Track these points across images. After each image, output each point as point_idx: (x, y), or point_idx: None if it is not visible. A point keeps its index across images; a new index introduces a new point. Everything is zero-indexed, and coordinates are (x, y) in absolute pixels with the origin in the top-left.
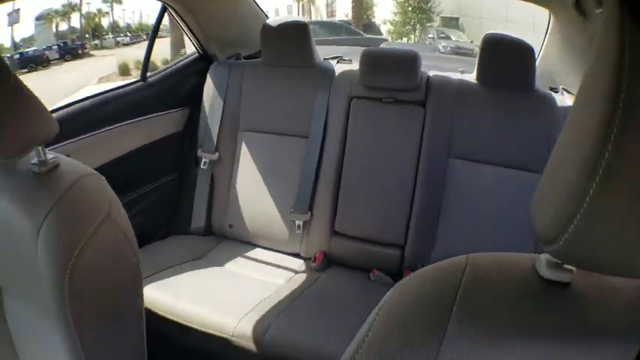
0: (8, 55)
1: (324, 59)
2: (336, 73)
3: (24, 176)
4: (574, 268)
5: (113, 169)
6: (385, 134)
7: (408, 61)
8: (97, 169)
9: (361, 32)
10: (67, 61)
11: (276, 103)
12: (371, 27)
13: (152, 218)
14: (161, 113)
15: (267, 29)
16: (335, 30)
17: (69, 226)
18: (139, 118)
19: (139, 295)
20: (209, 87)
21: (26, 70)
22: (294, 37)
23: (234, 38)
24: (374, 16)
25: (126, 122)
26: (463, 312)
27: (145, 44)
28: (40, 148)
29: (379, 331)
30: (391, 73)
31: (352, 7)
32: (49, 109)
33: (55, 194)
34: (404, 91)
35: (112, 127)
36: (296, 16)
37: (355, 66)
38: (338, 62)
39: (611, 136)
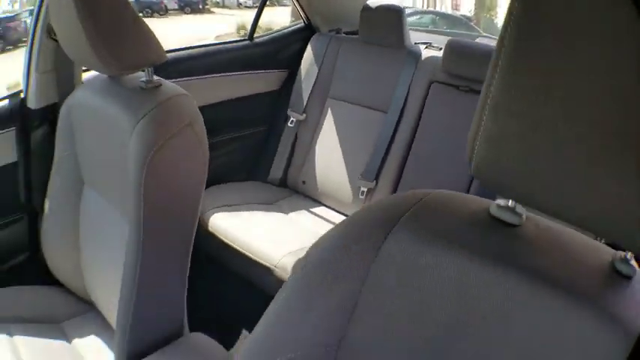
0: None
1: (415, 44)
2: (423, 57)
3: (132, 89)
4: (524, 214)
5: (209, 111)
6: (456, 120)
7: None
8: None
9: (479, 30)
10: (185, 13)
11: (364, 78)
12: (491, 26)
13: (235, 162)
14: (261, 71)
15: (366, 9)
16: (454, 23)
17: (156, 126)
18: (241, 72)
19: (198, 206)
20: (308, 54)
21: (140, 14)
22: (389, 19)
23: (337, 14)
24: (496, 16)
25: (229, 74)
26: (410, 221)
27: (269, 10)
28: (149, 69)
29: (331, 234)
30: (472, 65)
31: (475, 4)
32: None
33: (152, 103)
34: (481, 83)
35: (216, 75)
36: (420, 5)
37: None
38: (426, 48)
39: (493, 80)
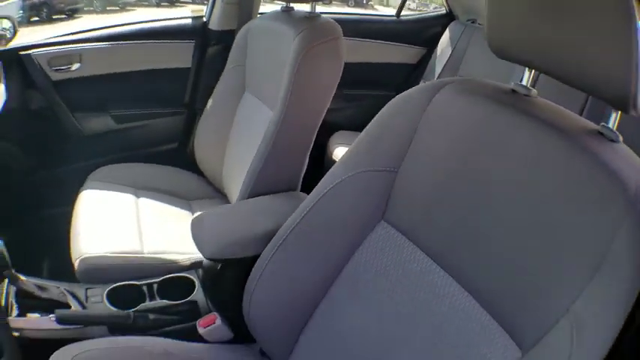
0: None
1: None
2: None
3: (298, 17)
4: (534, 91)
5: (352, 67)
6: None
7: None
8: None
9: None
10: (349, 6)
11: (485, 67)
12: None
13: (363, 115)
14: (402, 45)
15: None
16: None
17: (310, 35)
18: (385, 42)
19: (323, 110)
20: (445, 38)
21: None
22: None
23: (474, 6)
24: None
25: (374, 41)
26: (454, 86)
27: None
28: (313, 3)
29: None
30: None
31: None
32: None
33: (311, 22)
34: None
35: (364, 40)
36: None
37: None
38: None
39: None
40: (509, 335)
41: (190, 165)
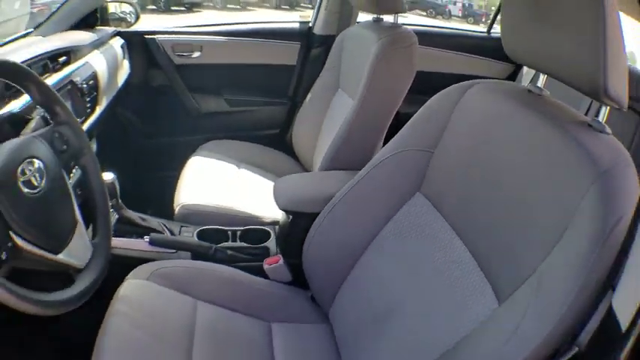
0: None
1: None
2: None
3: (381, 26)
4: (545, 91)
5: (429, 75)
6: None
7: None
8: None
9: None
10: (468, 22)
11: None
12: None
13: None
14: (490, 60)
15: None
16: None
17: (390, 42)
18: (472, 55)
19: (396, 104)
20: None
21: (424, 12)
22: None
23: None
24: None
25: (462, 53)
26: (481, 86)
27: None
28: (395, 15)
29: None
30: None
31: None
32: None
33: (390, 31)
34: None
35: (449, 51)
36: None
37: None
38: None
39: None
40: (491, 288)
41: (287, 149)
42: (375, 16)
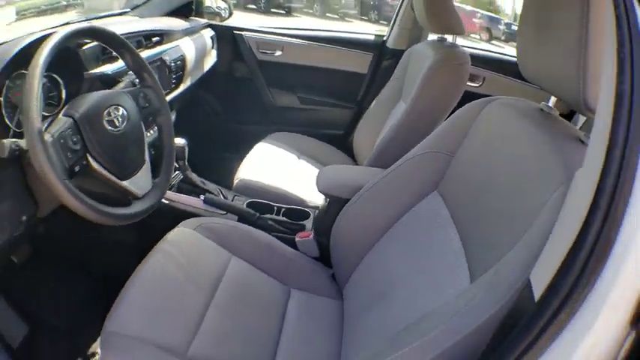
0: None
1: None
2: None
3: (438, 45)
4: (554, 111)
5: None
6: None
7: None
8: None
9: None
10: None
11: None
12: None
13: None
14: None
15: None
16: None
17: (441, 57)
18: (529, 84)
19: (444, 114)
20: None
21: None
22: None
23: None
24: None
25: (519, 81)
26: (498, 103)
27: None
28: (453, 36)
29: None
30: None
31: None
32: None
33: (445, 49)
34: None
35: (506, 77)
36: None
37: None
38: None
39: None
40: (468, 269)
41: (348, 151)
42: (439, 35)
